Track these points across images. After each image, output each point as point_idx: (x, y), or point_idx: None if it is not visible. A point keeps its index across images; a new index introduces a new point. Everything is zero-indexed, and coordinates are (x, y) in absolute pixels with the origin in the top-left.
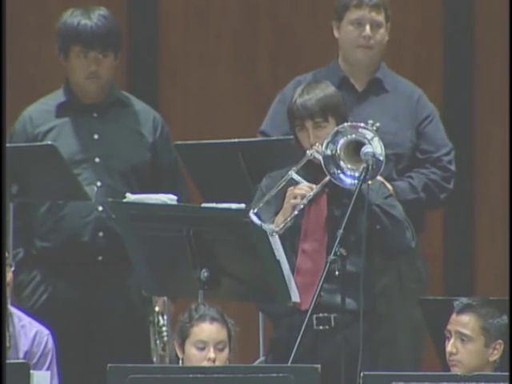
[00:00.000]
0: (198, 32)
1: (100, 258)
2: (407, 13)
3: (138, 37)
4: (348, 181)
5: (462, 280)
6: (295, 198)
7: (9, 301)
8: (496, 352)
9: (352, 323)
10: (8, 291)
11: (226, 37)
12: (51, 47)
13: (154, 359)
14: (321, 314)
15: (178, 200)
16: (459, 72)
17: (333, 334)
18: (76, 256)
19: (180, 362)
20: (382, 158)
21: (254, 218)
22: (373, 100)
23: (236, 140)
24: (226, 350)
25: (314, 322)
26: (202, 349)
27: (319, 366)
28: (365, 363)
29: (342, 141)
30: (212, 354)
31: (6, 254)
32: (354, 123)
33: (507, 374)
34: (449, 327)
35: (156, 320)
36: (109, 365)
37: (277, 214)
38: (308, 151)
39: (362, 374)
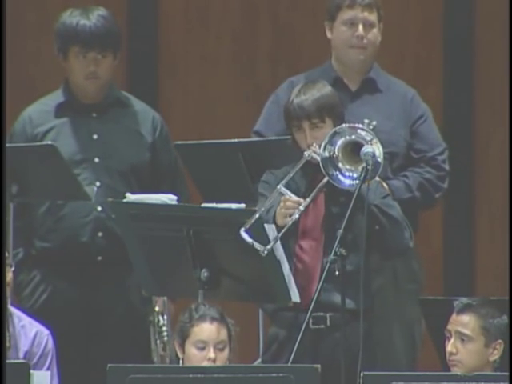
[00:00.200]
0: (198, 32)
1: (99, 258)
2: (407, 13)
3: (138, 37)
4: (347, 182)
5: (462, 280)
6: (285, 217)
7: (9, 301)
8: (496, 352)
9: (350, 322)
10: (8, 291)
11: (226, 37)
12: (51, 47)
13: (155, 359)
14: (316, 313)
15: (177, 200)
16: (459, 72)
17: (329, 333)
18: (75, 256)
19: (180, 361)
20: (380, 160)
21: (245, 236)
22: (366, 99)
23: (236, 140)
24: (226, 350)
25: (310, 320)
26: (202, 349)
27: (319, 365)
28: (363, 363)
29: (339, 142)
30: (212, 354)
31: (6, 254)
32: (351, 124)
33: (507, 373)
34: (449, 327)
35: (156, 320)
36: (109, 365)
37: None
38: (306, 152)
39: (361, 374)
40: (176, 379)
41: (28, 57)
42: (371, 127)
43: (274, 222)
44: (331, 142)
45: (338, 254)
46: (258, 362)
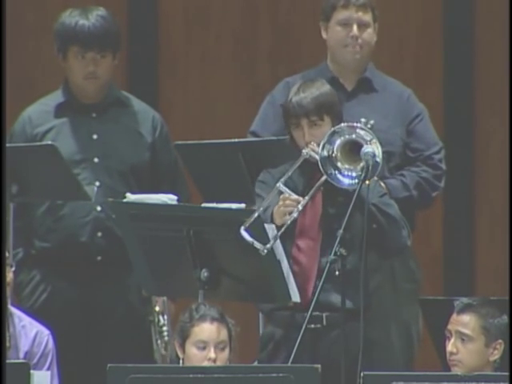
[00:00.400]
0: (198, 32)
1: (99, 257)
2: (407, 13)
3: (138, 37)
4: (346, 181)
5: (462, 280)
6: (284, 215)
7: (9, 301)
8: (496, 352)
9: (347, 322)
10: (8, 291)
11: (226, 37)
12: (51, 47)
13: (157, 359)
14: (312, 313)
15: (178, 200)
16: (459, 72)
17: (325, 333)
18: (75, 256)
19: (180, 361)
20: (379, 160)
21: (245, 235)
22: (362, 99)
23: (236, 140)
24: (227, 350)
25: (307, 320)
26: (203, 349)
27: (319, 365)
28: (356, 363)
29: (338, 141)
30: (212, 354)
31: (7, 254)
32: (350, 123)
33: (507, 373)
34: (449, 327)
35: (156, 320)
36: (109, 365)
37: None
38: (304, 150)
39: (362, 374)
40: (176, 379)
41: (28, 57)
42: (369, 126)
43: (272, 221)
44: (330, 142)
45: (338, 253)
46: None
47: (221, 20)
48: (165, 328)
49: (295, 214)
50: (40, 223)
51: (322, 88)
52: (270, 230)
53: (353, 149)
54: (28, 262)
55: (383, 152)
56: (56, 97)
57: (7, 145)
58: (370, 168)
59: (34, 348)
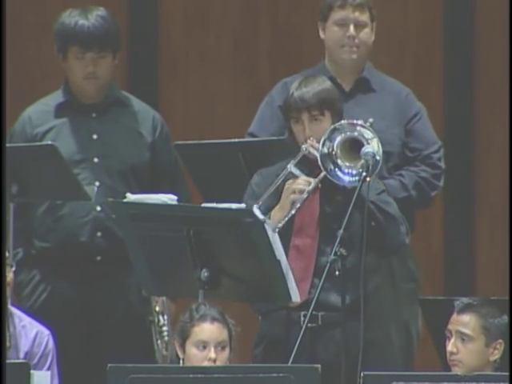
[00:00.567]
0: (198, 32)
1: (98, 257)
2: (407, 13)
3: (138, 37)
4: (346, 178)
5: (462, 280)
6: (294, 192)
7: (9, 301)
8: (496, 352)
9: (343, 322)
10: (8, 291)
11: (226, 37)
12: (51, 48)
13: (158, 359)
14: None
15: (178, 200)
16: (459, 72)
17: (320, 332)
18: (74, 256)
19: (181, 361)
20: (378, 158)
21: (258, 213)
22: (360, 99)
23: (236, 140)
24: (227, 350)
25: (302, 319)
26: (203, 349)
27: (319, 365)
28: (351, 363)
29: (338, 138)
30: (213, 354)
31: (7, 254)
32: (351, 121)
33: (507, 373)
34: (449, 327)
35: (156, 320)
36: (109, 365)
37: (272, 209)
38: (303, 146)
39: (362, 374)
40: (176, 379)
41: (28, 57)
42: (368, 124)
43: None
44: (330, 139)
45: (338, 253)
46: None
47: (221, 20)
48: (165, 328)
49: (304, 195)
50: (40, 223)
51: (324, 84)
52: (272, 226)
53: (353, 146)
54: (28, 262)
55: (382, 152)
56: (56, 97)
57: (7, 145)
58: (371, 168)
59: (34, 348)
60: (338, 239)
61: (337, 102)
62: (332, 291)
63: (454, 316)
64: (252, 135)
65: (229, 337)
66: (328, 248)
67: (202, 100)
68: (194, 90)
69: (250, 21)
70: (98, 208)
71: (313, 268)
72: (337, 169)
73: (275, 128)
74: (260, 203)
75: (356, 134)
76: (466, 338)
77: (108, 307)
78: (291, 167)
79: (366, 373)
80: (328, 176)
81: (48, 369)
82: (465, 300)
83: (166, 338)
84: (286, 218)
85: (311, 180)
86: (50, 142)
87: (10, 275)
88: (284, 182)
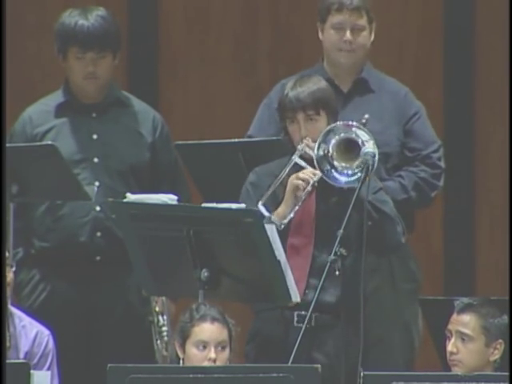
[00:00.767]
0: (198, 32)
1: (98, 257)
2: (407, 13)
3: (138, 37)
4: (342, 179)
5: (462, 280)
6: (298, 183)
7: (9, 301)
8: (496, 352)
9: (337, 323)
10: (9, 291)
11: (226, 37)
12: (51, 47)
13: (158, 360)
14: (303, 312)
15: (178, 200)
16: (459, 72)
17: (313, 334)
18: (74, 256)
19: (181, 361)
20: (375, 158)
21: (263, 209)
22: (358, 102)
23: (236, 140)
24: (227, 350)
25: (295, 318)
26: (203, 349)
27: (319, 365)
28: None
29: (333, 140)
30: (213, 354)
31: (7, 254)
32: (345, 122)
33: (507, 373)
34: (449, 327)
35: (156, 320)
36: (109, 365)
37: (276, 207)
38: (299, 146)
39: (362, 374)
40: (176, 379)
41: (28, 57)
42: (364, 121)
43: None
44: (325, 141)
45: (338, 253)
46: None
47: (221, 20)
48: (164, 328)
49: (309, 188)
50: (39, 223)
51: (319, 83)
52: (277, 223)
53: (348, 147)
54: (27, 262)
55: (380, 154)
56: (56, 97)
57: (7, 145)
58: (370, 168)
59: (34, 348)
60: (338, 239)
61: (332, 102)
62: (327, 291)
63: (454, 316)
64: (251, 138)
65: (229, 337)
66: (324, 248)
67: (202, 100)
68: (193, 90)
69: (250, 21)
70: (98, 208)
71: (308, 268)
72: (333, 170)
73: (273, 130)
74: (264, 200)
75: (351, 134)
76: (466, 337)
77: (107, 307)
78: (296, 158)
79: (365, 373)
80: (325, 178)
81: (48, 369)
82: (465, 300)
83: (166, 339)
84: (291, 215)
85: (317, 172)
86: (50, 142)
87: (10, 275)
88: (288, 175)
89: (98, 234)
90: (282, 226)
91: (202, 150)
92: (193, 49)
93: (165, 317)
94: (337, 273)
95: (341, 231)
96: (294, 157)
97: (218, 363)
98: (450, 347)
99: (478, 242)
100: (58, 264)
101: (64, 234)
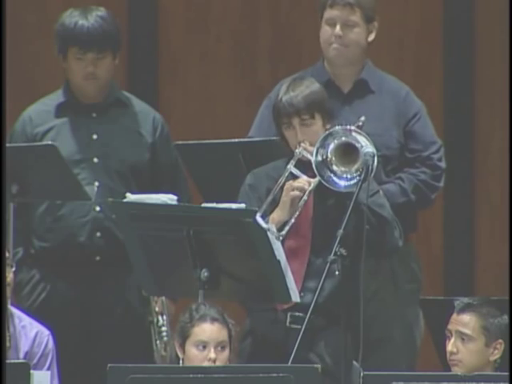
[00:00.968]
0: (198, 32)
1: (98, 258)
2: (407, 13)
3: (138, 37)
4: (342, 183)
5: (462, 280)
6: (294, 191)
7: (9, 301)
8: (497, 352)
9: (328, 326)
10: (9, 291)
11: (226, 37)
12: (51, 48)
13: (156, 360)
14: (296, 313)
15: (178, 200)
16: (459, 72)
17: (304, 336)
18: (73, 256)
19: (180, 361)
20: (375, 158)
21: (260, 221)
22: (358, 103)
23: (236, 140)
24: (227, 350)
25: (288, 319)
26: (203, 349)
27: (319, 365)
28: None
29: (332, 145)
30: (212, 354)
31: (7, 254)
32: (343, 126)
33: (507, 373)
34: (449, 327)
35: (155, 320)
36: (109, 365)
37: (270, 212)
38: (297, 150)
39: (362, 374)
40: (176, 379)
41: (28, 58)
42: (360, 123)
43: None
44: (323, 146)
45: (338, 253)
46: None
47: (221, 20)
48: (164, 328)
49: (305, 197)
50: (39, 223)
51: (312, 86)
52: (275, 234)
53: (346, 151)
54: (27, 262)
55: (380, 156)
56: (56, 97)
57: (7, 145)
58: (370, 169)
59: (34, 348)
60: (338, 239)
61: (326, 103)
62: (320, 293)
63: (454, 316)
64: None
65: (229, 337)
66: (321, 250)
67: (202, 100)
68: (193, 90)
69: (250, 21)
70: (98, 208)
71: (304, 270)
72: (332, 174)
73: (274, 131)
74: (262, 211)
75: (349, 138)
76: (466, 337)
77: (107, 307)
78: (291, 168)
79: (366, 373)
80: (324, 182)
81: (48, 369)
82: (465, 300)
83: (165, 339)
84: (289, 225)
85: (311, 180)
86: (50, 142)
87: (10, 275)
88: (283, 184)
89: (98, 234)
90: (281, 238)
91: (202, 149)
92: (192, 48)
93: (164, 317)
94: (336, 273)
95: (341, 231)
96: (289, 166)
97: (218, 363)
98: (449, 347)
99: (478, 242)
100: (57, 264)
101: (64, 234)
